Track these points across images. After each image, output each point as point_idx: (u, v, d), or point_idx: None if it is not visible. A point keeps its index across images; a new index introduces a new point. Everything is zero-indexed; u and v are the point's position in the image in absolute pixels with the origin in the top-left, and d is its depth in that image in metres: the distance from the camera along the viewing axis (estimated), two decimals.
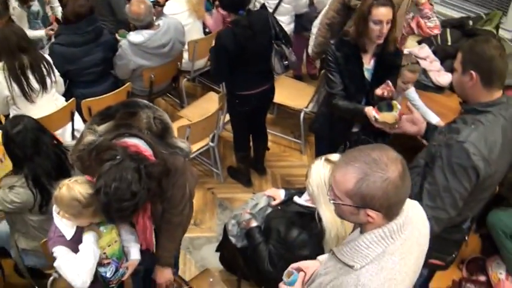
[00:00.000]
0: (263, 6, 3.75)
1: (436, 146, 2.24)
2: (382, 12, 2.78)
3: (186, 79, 4.94)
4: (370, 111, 2.80)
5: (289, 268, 2.01)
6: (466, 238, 2.50)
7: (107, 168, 1.98)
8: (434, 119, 3.45)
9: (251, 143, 4.22)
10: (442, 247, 2.42)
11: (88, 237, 2.24)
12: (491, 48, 2.08)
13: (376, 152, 1.47)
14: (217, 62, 3.57)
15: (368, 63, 3.02)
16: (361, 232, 1.60)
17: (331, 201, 1.57)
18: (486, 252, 2.97)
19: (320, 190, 2.41)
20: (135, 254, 2.49)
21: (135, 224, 2.41)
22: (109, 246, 2.36)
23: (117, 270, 2.41)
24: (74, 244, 2.25)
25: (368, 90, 3.05)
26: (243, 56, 3.42)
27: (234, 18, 3.38)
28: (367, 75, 3.04)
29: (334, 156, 2.52)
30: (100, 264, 2.34)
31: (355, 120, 3.14)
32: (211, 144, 4.07)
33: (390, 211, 1.50)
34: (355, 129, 3.21)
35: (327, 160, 2.46)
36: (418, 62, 3.34)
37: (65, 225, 2.27)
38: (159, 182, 2.12)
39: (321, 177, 2.40)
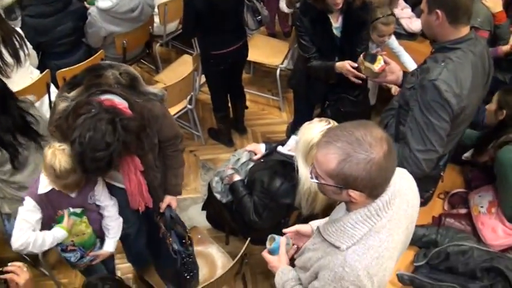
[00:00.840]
0: None
1: (409, 89, 2.29)
2: None
3: (159, 44, 4.88)
4: (344, 64, 2.88)
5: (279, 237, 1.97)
6: (442, 174, 2.56)
7: (81, 120, 2.00)
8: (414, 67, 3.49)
9: (229, 103, 4.22)
10: (419, 184, 2.46)
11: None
12: None
13: (360, 131, 1.42)
14: (187, 20, 3.53)
15: (336, 22, 3.05)
16: (347, 210, 1.58)
17: (313, 180, 1.53)
18: (469, 186, 3.04)
19: (302, 147, 2.44)
20: (108, 246, 2.59)
21: (127, 184, 2.41)
22: (77, 236, 2.45)
23: (82, 257, 2.53)
24: (44, 204, 2.33)
25: (340, 48, 3.09)
26: (214, 14, 3.39)
27: None
28: (337, 33, 3.07)
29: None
30: (65, 250, 2.47)
31: (329, 79, 3.17)
32: (189, 106, 4.06)
33: (375, 191, 1.48)
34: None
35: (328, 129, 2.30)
36: (393, 14, 3.34)
37: (43, 180, 2.32)
38: (138, 135, 2.13)
39: (310, 137, 2.38)
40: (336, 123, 2.42)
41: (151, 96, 2.32)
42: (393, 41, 3.53)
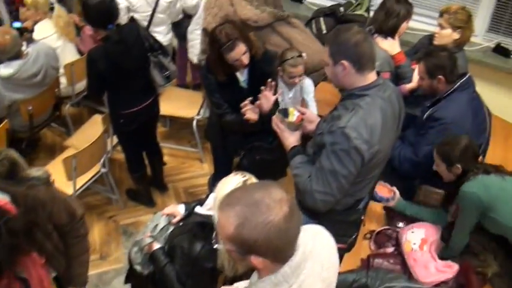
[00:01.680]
0: (132, 19, 3.61)
1: (320, 135, 2.27)
2: (234, 55, 2.83)
3: (68, 105, 4.67)
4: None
5: None
6: (363, 218, 2.54)
7: None
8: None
9: (146, 161, 4.06)
10: (340, 230, 2.46)
11: None
12: (354, 34, 2.13)
13: (260, 193, 1.36)
14: (91, 82, 3.38)
15: (242, 75, 3.05)
16: (258, 276, 1.49)
17: (217, 246, 1.49)
18: (392, 222, 3.04)
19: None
20: None
21: (29, 280, 2.18)
22: None
23: None
24: None
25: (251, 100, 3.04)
26: (118, 73, 3.27)
27: (103, 34, 3.21)
28: (244, 85, 3.07)
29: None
30: None
31: (244, 132, 3.15)
32: (102, 170, 3.85)
33: (279, 255, 1.40)
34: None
35: (244, 182, 2.27)
36: (301, 55, 3.35)
37: None
38: (27, 232, 1.94)
39: (226, 193, 2.29)
40: (252, 177, 2.36)
41: (34, 182, 2.15)
42: (309, 86, 3.53)
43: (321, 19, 4.34)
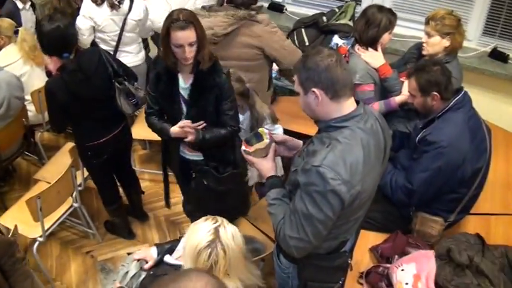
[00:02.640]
0: (93, 43, 3.33)
1: (295, 172, 2.00)
2: (181, 36, 2.50)
3: (40, 133, 4.39)
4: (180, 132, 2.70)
5: None
6: (350, 261, 2.26)
7: None
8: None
9: (122, 191, 3.79)
10: (325, 276, 2.22)
11: None
12: (324, 58, 1.84)
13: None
14: (51, 113, 3.11)
15: (186, 83, 2.74)
16: None
17: None
18: (382, 258, 2.75)
19: (189, 254, 2.07)
20: None
21: None
22: None
23: None
24: None
25: (187, 110, 2.80)
26: (80, 104, 2.99)
27: (60, 63, 2.93)
28: (184, 94, 2.77)
29: (228, 230, 2.13)
30: None
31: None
32: (75, 204, 3.57)
33: None
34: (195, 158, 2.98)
35: (216, 228, 2.05)
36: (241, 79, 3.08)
37: None
38: None
39: (196, 241, 2.03)
40: (224, 221, 2.10)
41: None
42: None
43: (303, 30, 4.09)
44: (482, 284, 2.50)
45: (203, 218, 2.16)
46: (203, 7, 3.26)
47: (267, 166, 2.20)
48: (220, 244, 2.00)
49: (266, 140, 2.22)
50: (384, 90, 3.18)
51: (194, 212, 3.29)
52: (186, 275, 1.17)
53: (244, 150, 2.24)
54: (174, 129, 2.75)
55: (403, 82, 3.10)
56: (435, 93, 2.61)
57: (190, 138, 2.74)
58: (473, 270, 2.55)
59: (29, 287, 2.36)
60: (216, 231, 2.03)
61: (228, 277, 2.11)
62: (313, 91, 1.87)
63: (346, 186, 1.82)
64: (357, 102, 1.98)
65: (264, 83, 3.45)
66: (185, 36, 2.50)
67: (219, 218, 2.11)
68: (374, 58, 3.12)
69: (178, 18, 2.50)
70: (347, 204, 1.87)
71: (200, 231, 2.06)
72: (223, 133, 2.78)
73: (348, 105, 1.92)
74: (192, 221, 2.48)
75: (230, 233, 2.05)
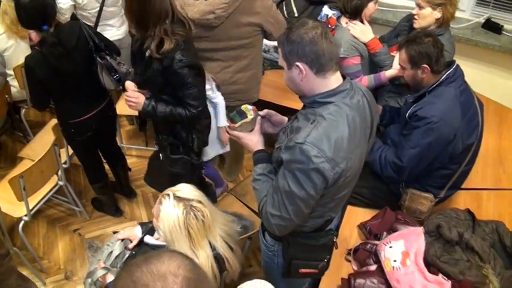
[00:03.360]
0: (73, 17, 3.20)
1: (278, 149, 1.94)
2: None
3: (25, 109, 4.29)
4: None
5: None
6: (335, 239, 2.21)
7: None
8: None
9: (108, 167, 3.73)
10: (310, 254, 2.17)
11: None
12: (309, 30, 1.75)
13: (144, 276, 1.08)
14: (32, 91, 3.00)
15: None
16: None
17: None
18: (370, 235, 2.71)
19: (174, 235, 2.13)
20: None
21: None
22: None
23: None
24: None
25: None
26: (61, 79, 2.88)
27: (39, 37, 2.82)
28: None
29: (184, 191, 2.16)
30: None
31: None
32: (60, 183, 3.49)
33: None
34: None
35: (177, 198, 2.12)
36: None
37: None
38: None
39: (174, 220, 2.10)
40: (172, 190, 2.18)
41: None
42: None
43: (292, 0, 3.95)
44: (472, 260, 2.47)
45: (164, 199, 2.15)
46: None
47: (254, 140, 2.14)
48: (185, 212, 2.08)
49: (250, 116, 2.15)
50: (373, 64, 3.10)
51: (153, 185, 3.35)
52: (158, 257, 1.11)
53: (229, 127, 2.17)
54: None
55: (393, 56, 3.02)
56: (425, 65, 2.53)
57: (134, 106, 2.73)
58: (463, 247, 2.52)
59: (13, 284, 2.29)
60: (179, 199, 2.11)
61: (210, 235, 2.20)
62: (297, 65, 1.79)
63: (330, 164, 1.75)
64: (343, 76, 1.90)
65: (260, 56, 3.38)
66: None
67: (168, 191, 2.18)
68: (363, 33, 3.04)
69: None
70: (331, 183, 1.81)
71: (172, 213, 2.10)
72: (178, 111, 2.69)
73: (334, 80, 1.84)
74: None
75: (185, 196, 2.13)
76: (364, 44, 3.05)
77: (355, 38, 3.04)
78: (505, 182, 3.14)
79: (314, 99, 1.86)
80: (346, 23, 3.04)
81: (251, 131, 2.16)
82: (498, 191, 3.07)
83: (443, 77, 2.54)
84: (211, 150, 3.27)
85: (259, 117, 2.17)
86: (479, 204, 2.96)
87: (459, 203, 2.92)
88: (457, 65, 2.60)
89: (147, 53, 2.58)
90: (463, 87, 2.59)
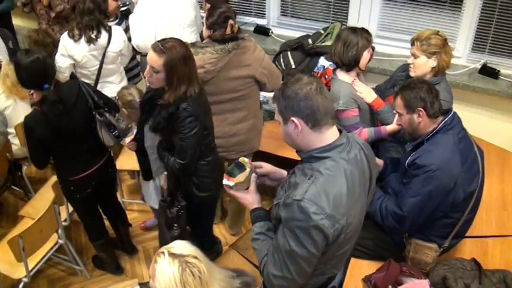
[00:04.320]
0: (72, 76, 3.26)
1: (277, 206, 1.91)
2: (150, 56, 2.59)
3: (26, 166, 4.30)
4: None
5: None
6: None
7: None
8: None
9: (108, 223, 3.69)
10: None
11: None
12: (304, 86, 1.77)
13: None
14: (31, 150, 3.01)
15: None
16: None
17: None
18: None
19: None
20: None
21: None
22: None
23: None
24: None
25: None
26: (61, 138, 2.91)
27: (40, 96, 2.86)
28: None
29: (178, 247, 2.11)
30: None
31: None
32: (60, 241, 3.46)
33: None
34: None
35: (172, 255, 2.06)
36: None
37: None
38: None
39: (170, 278, 2.00)
40: (167, 248, 2.06)
41: None
42: None
43: (289, 53, 4.02)
44: None
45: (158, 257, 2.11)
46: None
47: (250, 200, 2.11)
48: (181, 269, 1.98)
49: (248, 169, 2.14)
50: (370, 115, 3.13)
51: None
52: None
53: (226, 185, 2.15)
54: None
55: (395, 114, 3.04)
56: (420, 109, 2.54)
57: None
58: None
59: None
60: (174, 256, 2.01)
61: None
62: (293, 120, 1.80)
63: (330, 220, 1.73)
64: (340, 131, 1.90)
65: (257, 105, 3.42)
66: (151, 59, 2.55)
67: (162, 249, 2.08)
68: (368, 93, 3.10)
69: (161, 40, 2.57)
70: (331, 240, 1.77)
71: (164, 269, 2.02)
72: (168, 159, 2.80)
73: (330, 135, 1.84)
74: None
75: (180, 252, 2.03)
76: (368, 104, 3.11)
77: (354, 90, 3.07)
78: (510, 228, 3.08)
79: (311, 154, 1.85)
80: (352, 81, 3.09)
81: (247, 188, 2.14)
82: (504, 238, 3.00)
83: (440, 125, 2.54)
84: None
85: (253, 175, 2.14)
86: (485, 252, 2.90)
87: (465, 252, 2.86)
88: (454, 113, 2.60)
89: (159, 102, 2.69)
90: (462, 135, 2.58)
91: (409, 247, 2.70)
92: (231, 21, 3.01)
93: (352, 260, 2.76)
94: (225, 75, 3.07)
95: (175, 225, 2.95)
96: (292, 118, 1.79)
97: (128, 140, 3.16)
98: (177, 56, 2.54)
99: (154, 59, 2.54)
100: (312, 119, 1.78)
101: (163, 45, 2.54)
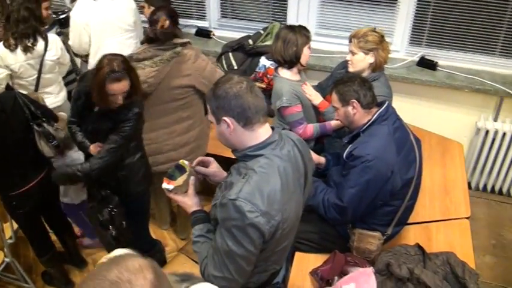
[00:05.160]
0: (8, 87, 3.18)
1: (213, 206, 1.90)
2: (116, 88, 2.57)
3: None
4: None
5: None
6: None
7: None
8: None
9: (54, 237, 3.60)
10: None
11: None
12: (234, 85, 1.79)
13: (113, 271, 1.10)
14: None
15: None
16: None
17: None
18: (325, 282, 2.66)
19: None
20: None
21: None
22: None
23: None
24: None
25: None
26: None
27: None
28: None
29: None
30: None
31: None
32: (6, 260, 3.35)
33: None
34: None
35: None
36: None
37: None
38: None
39: None
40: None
41: None
42: None
43: (230, 54, 4.04)
44: None
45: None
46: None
47: (188, 203, 2.10)
48: None
49: (186, 172, 2.12)
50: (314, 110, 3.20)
51: None
52: (127, 255, 1.18)
53: (165, 188, 2.13)
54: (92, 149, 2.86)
55: None
56: (354, 100, 2.60)
57: None
58: (415, 283, 2.50)
59: None
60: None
61: None
62: (224, 120, 1.81)
63: (265, 217, 1.74)
64: (272, 128, 1.91)
65: (202, 111, 3.40)
66: (120, 88, 2.57)
67: (103, 258, 2.04)
68: (316, 96, 3.19)
69: (114, 70, 2.52)
70: (268, 236, 1.78)
71: None
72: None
73: (263, 132, 1.85)
74: None
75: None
76: (315, 106, 3.21)
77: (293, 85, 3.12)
78: (453, 211, 3.16)
79: (245, 153, 1.86)
80: (302, 85, 3.18)
81: (186, 191, 2.13)
82: (447, 221, 3.09)
83: (375, 116, 2.60)
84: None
85: (192, 178, 2.13)
86: (429, 237, 2.98)
87: (409, 238, 2.93)
88: (388, 104, 2.66)
89: (96, 109, 2.73)
90: (397, 125, 2.64)
91: (353, 237, 2.74)
92: (163, 17, 3.03)
93: (299, 254, 2.78)
94: (166, 85, 3.08)
95: (110, 226, 2.92)
96: (224, 117, 1.80)
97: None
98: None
99: (124, 85, 2.58)
100: (243, 118, 1.79)
101: (120, 71, 2.55)
